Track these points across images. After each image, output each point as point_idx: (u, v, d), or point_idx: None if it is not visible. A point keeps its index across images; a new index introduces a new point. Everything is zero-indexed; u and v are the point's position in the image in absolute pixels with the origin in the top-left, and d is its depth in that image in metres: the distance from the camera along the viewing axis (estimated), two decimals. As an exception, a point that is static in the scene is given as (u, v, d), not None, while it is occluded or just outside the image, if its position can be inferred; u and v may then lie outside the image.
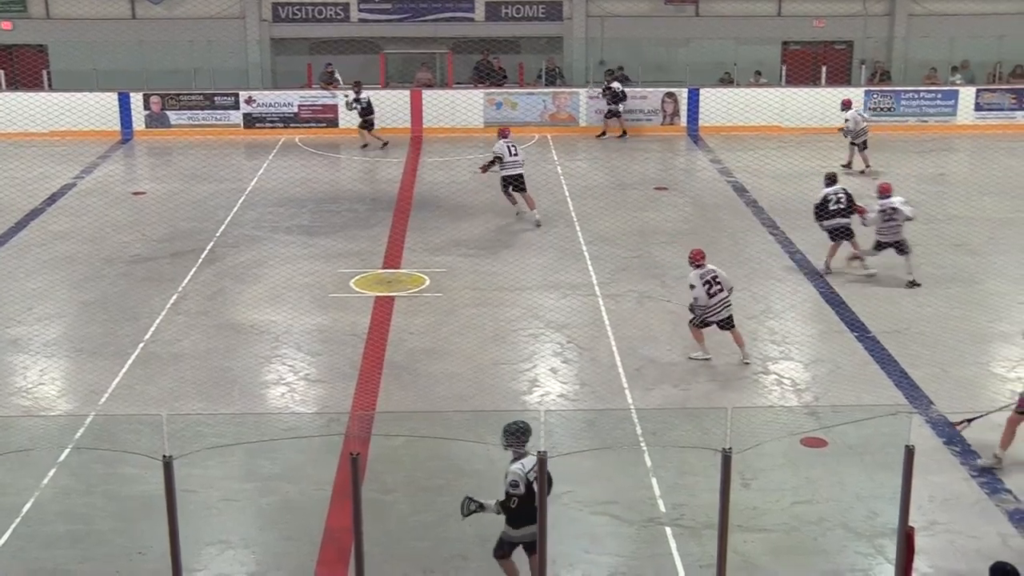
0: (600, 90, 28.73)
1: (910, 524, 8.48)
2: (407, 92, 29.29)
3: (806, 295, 17.34)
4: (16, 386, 14.31)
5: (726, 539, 8.36)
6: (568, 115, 29.47)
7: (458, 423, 12.94)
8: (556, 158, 26.67)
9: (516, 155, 21.13)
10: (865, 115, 25.90)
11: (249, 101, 29.33)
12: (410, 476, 11.69)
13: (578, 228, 20.73)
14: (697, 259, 14.69)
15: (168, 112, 29.19)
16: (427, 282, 17.86)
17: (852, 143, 25.00)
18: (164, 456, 7.96)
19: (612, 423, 13.17)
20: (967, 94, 29.71)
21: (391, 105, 28.66)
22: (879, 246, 17.60)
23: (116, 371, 14.51)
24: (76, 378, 14.66)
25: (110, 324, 16.20)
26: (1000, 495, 11.40)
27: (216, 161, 26.53)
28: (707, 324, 14.68)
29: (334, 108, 29.22)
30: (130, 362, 14.79)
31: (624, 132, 28.49)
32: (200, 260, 18.97)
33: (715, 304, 14.54)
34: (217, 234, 20.47)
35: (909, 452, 8.16)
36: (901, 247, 17.49)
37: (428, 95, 29.31)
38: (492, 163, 21.20)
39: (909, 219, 17.47)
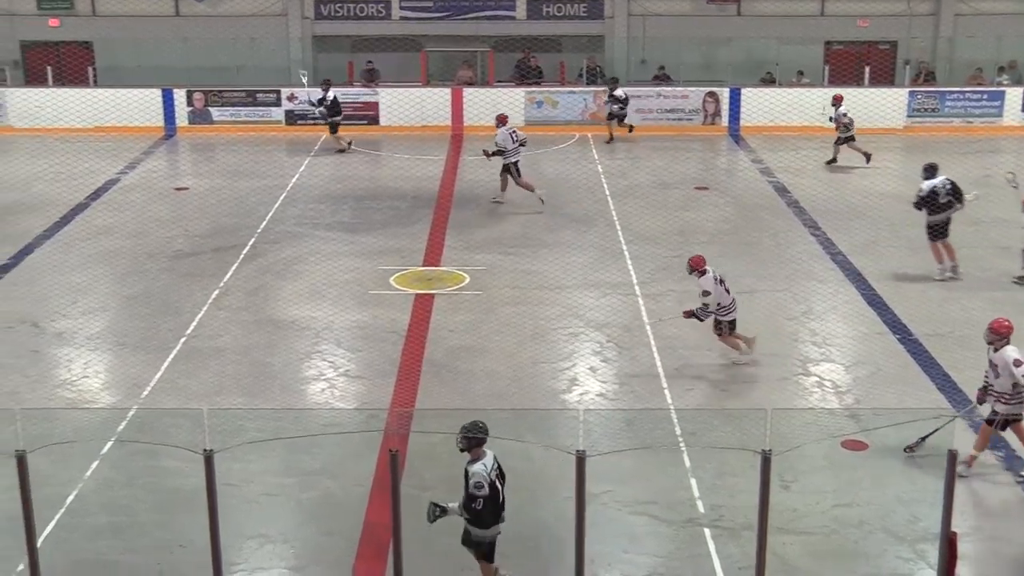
0: (606, 98, 28.15)
1: (953, 529, 8.42)
2: (448, 90, 29.35)
3: (848, 296, 17.23)
4: (61, 378, 14.49)
5: (765, 541, 8.33)
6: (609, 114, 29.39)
7: (497, 421, 12.88)
8: (596, 157, 26.65)
9: (516, 141, 21.86)
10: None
11: (291, 98, 29.49)
12: (448, 473, 11.66)
13: (618, 227, 20.70)
14: (700, 265, 14.41)
15: (211, 108, 29.42)
16: (467, 280, 17.90)
17: (841, 139, 25.02)
18: (205, 450, 8.03)
19: (651, 423, 13.15)
20: (1014, 95, 29.38)
21: (432, 103, 28.75)
22: None
23: (158, 365, 14.64)
24: (119, 371, 14.80)
25: (152, 318, 16.35)
26: (1044, 501, 11.30)
27: (258, 157, 26.70)
28: (728, 328, 14.46)
29: (375, 106, 29.34)
30: (172, 356, 14.92)
31: (631, 127, 28.17)
32: (242, 256, 19.11)
33: (732, 302, 14.38)
34: (259, 230, 20.61)
35: (952, 456, 8.10)
36: None
37: (469, 93, 29.35)
38: (497, 153, 21.82)
39: None
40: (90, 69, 30.05)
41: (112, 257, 19.24)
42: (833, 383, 14.11)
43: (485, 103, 28.78)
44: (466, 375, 14.38)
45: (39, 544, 8.41)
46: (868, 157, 24.86)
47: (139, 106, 28.67)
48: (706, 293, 14.23)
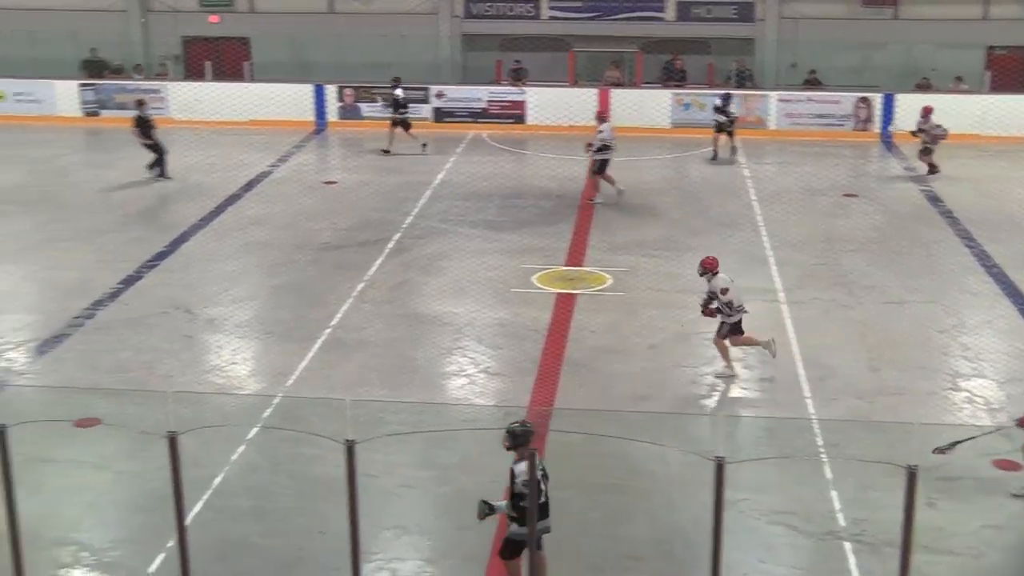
0: (715, 108, 26.72)
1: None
2: (595, 90, 29.31)
3: (1003, 311, 16.65)
4: (211, 364, 14.92)
5: (909, 559, 8.09)
6: (757, 118, 29.01)
7: (635, 423, 12.90)
8: (743, 161, 26.30)
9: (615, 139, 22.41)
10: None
11: (439, 95, 29.84)
12: (585, 473, 11.70)
13: (764, 233, 20.39)
14: (714, 267, 14.31)
15: (360, 104, 29.95)
16: (609, 281, 17.85)
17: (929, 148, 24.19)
18: (347, 440, 8.14)
19: (792, 432, 12.91)
20: None
21: (579, 103, 28.74)
22: None
23: (303, 354, 14.96)
24: (266, 359, 15.17)
25: (299, 309, 16.72)
26: None
27: (405, 153, 27.05)
28: (730, 332, 14.25)
29: (522, 104, 29.48)
30: (317, 347, 15.23)
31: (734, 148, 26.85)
32: (387, 250, 19.39)
33: (741, 306, 14.24)
34: (404, 225, 20.89)
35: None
36: None
37: (616, 94, 29.27)
38: (601, 149, 22.04)
39: None
40: (246, 64, 30.87)
41: (262, 248, 19.73)
42: (985, 400, 13.66)
43: (632, 104, 28.70)
44: (606, 376, 14.34)
45: (187, 523, 8.64)
46: (932, 168, 24.07)
47: (292, 101, 29.35)
48: (724, 291, 14.11)
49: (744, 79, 30.66)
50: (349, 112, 29.92)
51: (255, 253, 19.50)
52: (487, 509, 9.64)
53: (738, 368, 14.51)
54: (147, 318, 16.36)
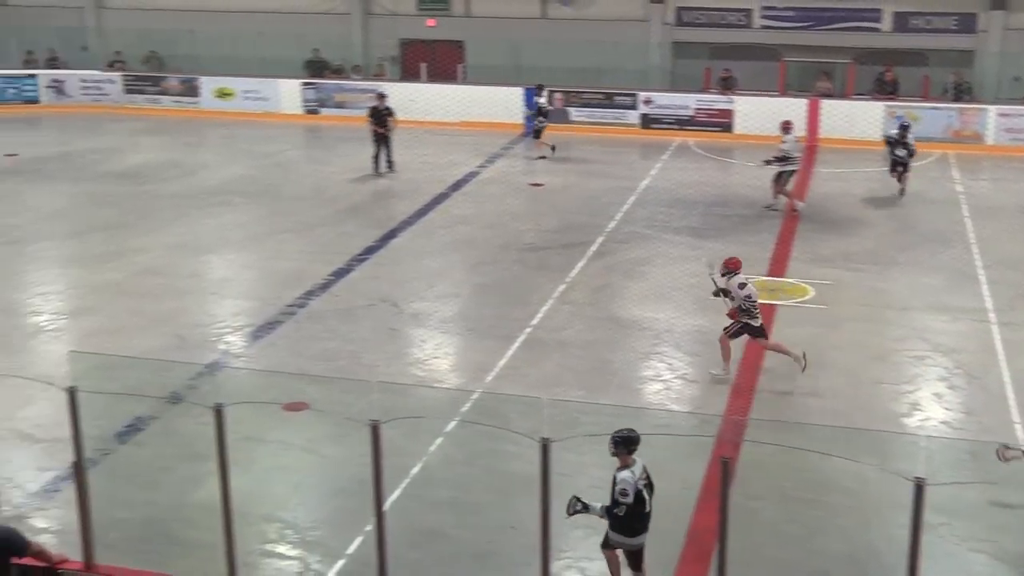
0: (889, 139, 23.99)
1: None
2: (804, 101, 28.82)
3: None
4: (414, 357, 15.39)
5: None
6: (974, 132, 28.00)
7: (832, 438, 12.68)
8: (957, 176, 25.42)
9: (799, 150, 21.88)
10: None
11: (647, 102, 29.87)
12: (778, 486, 11.59)
13: (975, 250, 19.71)
14: (737, 267, 14.42)
15: (569, 108, 30.25)
16: (811, 293, 17.59)
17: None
18: (542, 438, 8.30)
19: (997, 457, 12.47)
20: None
21: (788, 113, 28.22)
22: None
23: (503, 352, 15.26)
24: (466, 355, 15.55)
25: (501, 307, 17.05)
26: None
27: (611, 158, 27.22)
28: (742, 333, 14.29)
29: (729, 113, 29.25)
30: (517, 345, 15.51)
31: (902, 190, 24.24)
32: (589, 253, 19.58)
33: (758, 306, 14.30)
34: (607, 229, 21.04)
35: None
36: None
37: (826, 105, 28.72)
38: (780, 160, 21.67)
39: None
40: (460, 67, 31.54)
41: (468, 246, 20.19)
42: None
43: (842, 116, 28.11)
44: (803, 389, 14.15)
45: (385, 508, 8.94)
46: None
47: (502, 103, 29.87)
48: (743, 285, 14.16)
49: (962, 92, 29.58)
50: (558, 115, 30.23)
51: (461, 251, 19.98)
52: (579, 506, 9.66)
53: (942, 388, 14.11)
54: (355, 310, 16.99)
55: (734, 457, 11.52)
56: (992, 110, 28.07)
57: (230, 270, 19.32)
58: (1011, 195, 23.88)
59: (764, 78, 30.42)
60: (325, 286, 18.06)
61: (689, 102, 29.77)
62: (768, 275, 18.51)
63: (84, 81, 33.68)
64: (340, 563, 10.61)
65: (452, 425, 13.01)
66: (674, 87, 31.47)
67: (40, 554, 8.70)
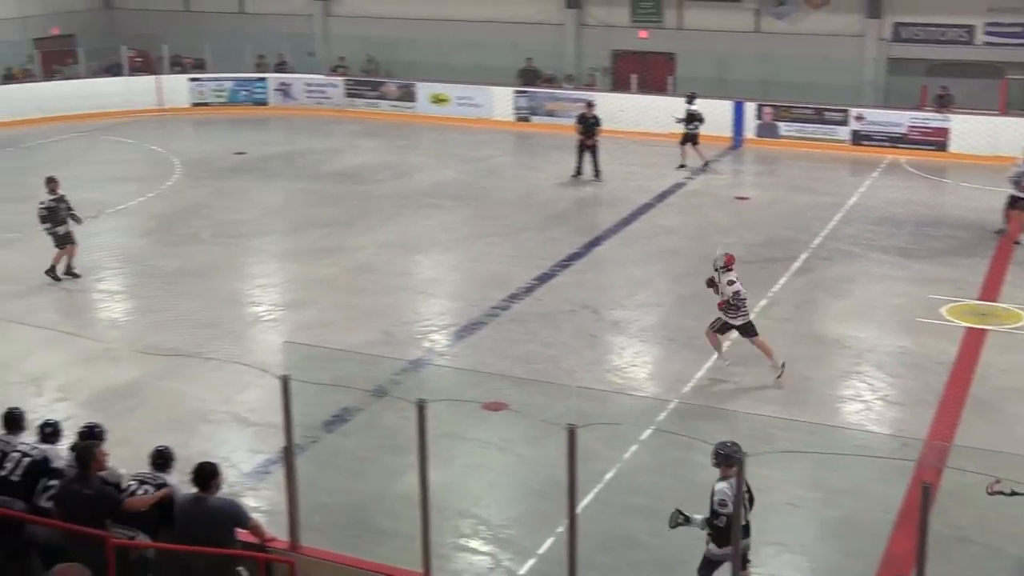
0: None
1: None
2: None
3: None
4: (612, 364, 15.56)
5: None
6: None
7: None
8: None
9: None
10: None
11: (859, 118, 29.23)
12: (983, 517, 11.25)
13: None
14: (731, 264, 14.80)
15: (778, 123, 29.89)
16: (1025, 319, 16.98)
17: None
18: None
19: None
20: None
21: (1008, 133, 27.21)
22: None
23: (701, 363, 15.26)
24: (664, 365, 15.62)
25: (703, 318, 16.90)
26: None
27: (819, 174, 26.77)
28: (729, 328, 14.75)
29: (944, 132, 28.36)
30: (715, 357, 15.44)
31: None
32: (793, 269, 19.35)
33: (746, 303, 14.77)
34: (812, 245, 20.74)
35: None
36: None
37: (1049, 123, 27.48)
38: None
39: None
40: (670, 79, 31.53)
41: (671, 256, 20.24)
42: None
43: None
44: (1012, 417, 13.68)
45: (577, 511, 9.10)
46: None
47: (710, 116, 29.67)
48: (731, 283, 14.60)
49: None
50: (766, 130, 29.93)
51: (664, 261, 20.04)
52: (680, 519, 9.65)
53: None
54: (557, 314, 17.26)
55: (935, 483, 11.25)
56: None
57: (438, 270, 19.91)
58: None
59: (983, 96, 29.31)
60: (528, 290, 18.40)
61: (902, 119, 28.98)
62: (979, 299, 17.91)
63: (309, 85, 35.18)
64: (531, 562, 10.84)
65: (647, 433, 13.10)
66: (887, 104, 30.66)
67: (256, 529, 9.26)
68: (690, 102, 27.43)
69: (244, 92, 35.42)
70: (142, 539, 8.98)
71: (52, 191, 19.22)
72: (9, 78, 34.47)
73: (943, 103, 29.20)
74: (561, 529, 10.02)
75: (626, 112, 29.68)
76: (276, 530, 9.59)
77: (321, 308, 17.76)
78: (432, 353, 16.01)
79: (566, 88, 32.63)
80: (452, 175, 26.78)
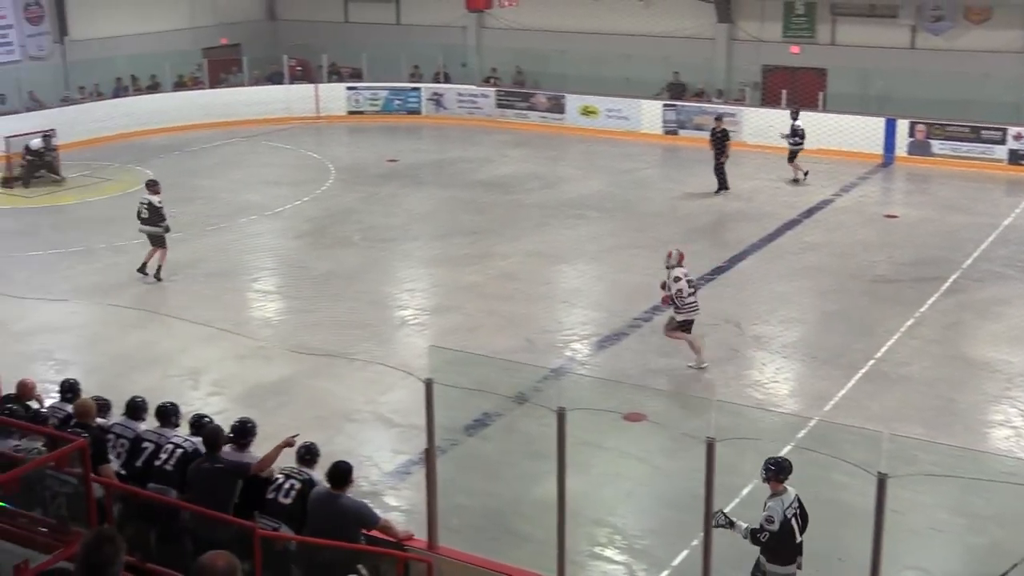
0: None
1: None
2: None
3: None
4: (752, 379, 15.50)
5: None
6: None
7: None
8: None
9: None
10: None
11: (1018, 137, 28.38)
12: None
13: None
14: (680, 260, 15.70)
15: (932, 140, 29.20)
16: None
17: None
18: (879, 472, 8.23)
19: None
20: None
21: None
22: None
23: (844, 382, 15.11)
24: (806, 382, 15.50)
25: (846, 336, 16.84)
26: None
27: (973, 193, 26.11)
28: (684, 325, 15.47)
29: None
30: (858, 376, 15.31)
31: None
32: (942, 289, 18.96)
33: (691, 302, 15.49)
34: (963, 266, 20.27)
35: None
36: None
37: None
38: None
39: None
40: (820, 95, 31.13)
41: (815, 273, 20.02)
42: None
43: None
44: None
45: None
46: None
47: (861, 133, 29.26)
48: (677, 279, 15.41)
49: None
50: (919, 148, 29.27)
51: (808, 278, 19.84)
52: (723, 520, 9.65)
53: None
54: (698, 328, 17.22)
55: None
56: None
57: (582, 280, 20.08)
58: None
59: None
60: (671, 303, 18.42)
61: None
62: None
63: (461, 95, 35.75)
64: (664, 574, 10.93)
65: (787, 450, 12.96)
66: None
67: (387, 529, 9.55)
68: (795, 118, 27.23)
69: (398, 101, 36.19)
70: (285, 531, 9.36)
71: (155, 192, 20.10)
72: (180, 85, 35.89)
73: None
74: (696, 542, 10.08)
75: (775, 127, 29.36)
76: (415, 529, 9.87)
77: (466, 314, 18.10)
78: (573, 362, 16.18)
79: (715, 102, 32.48)
80: (599, 186, 26.93)
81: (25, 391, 11.69)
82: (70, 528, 7.74)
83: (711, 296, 18.74)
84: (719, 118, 26.68)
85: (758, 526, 9.70)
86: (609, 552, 11.41)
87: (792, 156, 27.13)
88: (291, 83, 36.29)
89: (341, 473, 9.34)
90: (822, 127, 29.22)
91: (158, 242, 20.02)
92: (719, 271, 20.12)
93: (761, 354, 16.41)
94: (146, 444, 10.29)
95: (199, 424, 10.54)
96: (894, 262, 20.56)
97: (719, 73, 33.67)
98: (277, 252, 22.23)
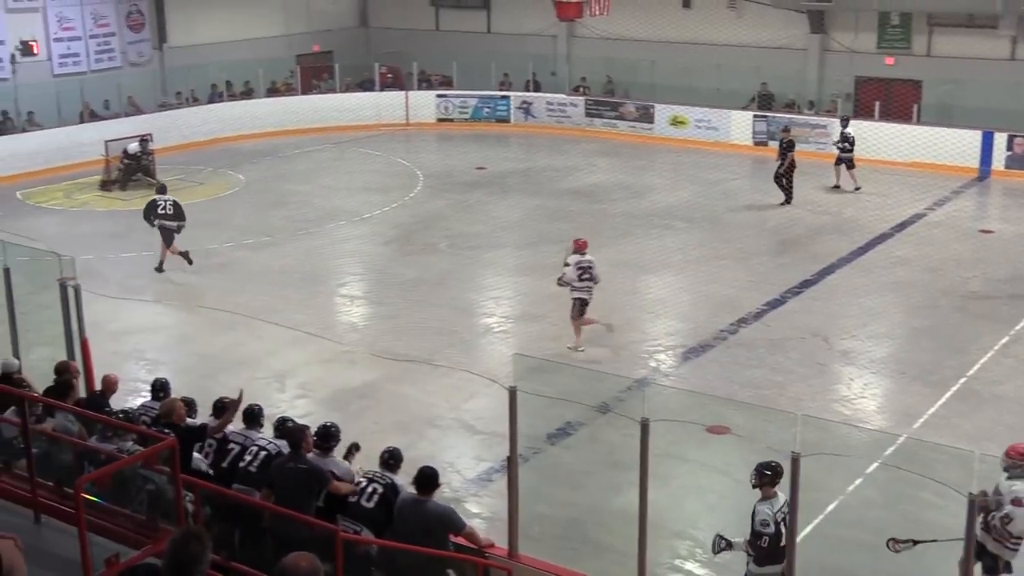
0: None
1: None
2: None
3: None
4: (840, 394, 15.31)
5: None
6: None
7: None
8: None
9: None
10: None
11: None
12: None
13: None
14: (581, 248, 16.89)
15: (1031, 155, 28.60)
16: None
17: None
18: (970, 493, 8.09)
19: None
20: None
21: None
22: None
23: (934, 399, 14.86)
24: (895, 398, 15.27)
25: (937, 353, 16.55)
26: None
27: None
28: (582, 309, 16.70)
29: None
30: (949, 394, 15.05)
31: None
32: (1038, 306, 18.56)
33: (580, 287, 16.65)
34: (1062, 283, 19.82)
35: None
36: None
37: None
38: None
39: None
40: (915, 107, 30.63)
41: (906, 288, 19.70)
42: None
43: None
44: None
45: (798, 540, 9.06)
46: None
47: (956, 146, 28.72)
48: (566, 264, 16.79)
49: None
50: (1017, 162, 28.65)
51: (899, 292, 19.54)
52: (723, 544, 9.75)
53: None
54: (785, 341, 17.09)
55: None
56: None
57: (667, 291, 19.98)
58: None
59: None
60: (758, 315, 18.28)
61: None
62: None
63: (550, 104, 35.80)
64: (746, 588, 10.82)
65: (873, 467, 12.82)
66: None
67: (471, 536, 9.60)
68: (844, 125, 27.07)
69: (487, 109, 36.35)
70: (366, 535, 9.45)
71: (163, 193, 21.61)
72: (273, 91, 36.44)
73: None
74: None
75: (867, 140, 28.97)
76: (495, 537, 9.90)
77: (551, 322, 18.11)
78: (657, 373, 16.12)
79: (806, 114, 32.12)
80: (686, 197, 26.79)
81: (109, 386, 11.94)
82: (159, 525, 7.91)
83: (799, 309, 18.58)
84: (786, 129, 26.47)
85: (754, 533, 9.71)
86: (690, 565, 11.35)
87: (841, 162, 26.98)
88: (382, 90, 36.63)
89: (427, 478, 9.41)
90: (916, 139, 28.80)
91: (170, 238, 20.89)
92: (807, 284, 19.89)
93: (849, 369, 16.20)
94: (232, 445, 10.46)
95: (283, 427, 10.69)
96: (988, 278, 20.14)
97: (811, 84, 33.30)
98: (364, 258, 22.47)
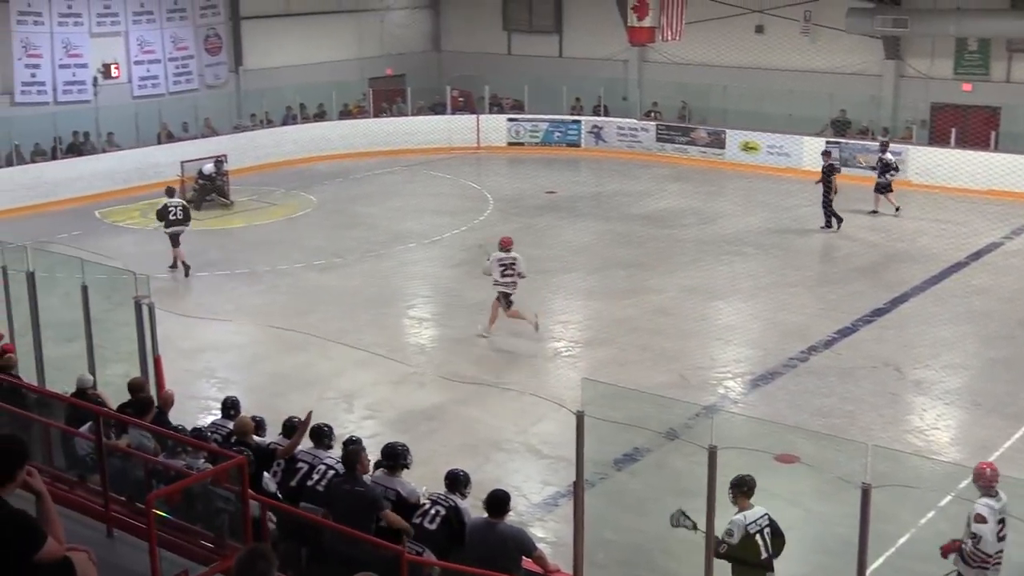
0: None
1: None
2: None
3: None
4: (912, 424, 15.07)
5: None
6: None
7: None
8: None
9: None
10: None
11: None
12: None
13: None
14: (506, 245, 18.27)
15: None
16: None
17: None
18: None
19: None
20: None
21: None
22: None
23: (1010, 432, 14.58)
24: (969, 430, 15.00)
25: (1014, 384, 16.24)
26: None
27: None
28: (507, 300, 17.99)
29: None
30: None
31: None
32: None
33: (502, 282, 17.97)
34: None
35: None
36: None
37: None
38: None
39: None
40: (993, 134, 30.20)
41: (982, 318, 19.37)
42: None
43: None
44: None
45: (867, 573, 8.91)
46: None
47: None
48: (488, 258, 18.20)
49: None
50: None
51: (974, 322, 19.21)
52: (682, 519, 9.62)
53: None
54: (856, 370, 16.86)
55: None
56: None
57: (737, 317, 19.83)
58: None
59: None
60: (828, 343, 18.07)
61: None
62: None
63: (620, 128, 35.77)
64: (813, 619, 10.68)
65: (947, 500, 12.60)
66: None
67: (540, 560, 9.58)
68: (883, 150, 26.79)
69: (558, 133, 36.41)
70: (428, 556, 9.46)
71: (172, 196, 23.46)
72: (345, 114, 36.85)
73: None
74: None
75: (943, 167, 28.60)
76: (561, 563, 9.87)
77: (619, 347, 18.06)
78: (726, 400, 15.99)
79: (879, 139, 31.78)
80: (757, 223, 26.60)
81: (166, 402, 12.06)
82: (227, 542, 7.99)
83: (870, 338, 18.34)
84: (827, 153, 26.19)
85: (719, 540, 9.61)
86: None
87: (880, 188, 26.70)
88: (453, 113, 36.90)
89: (499, 501, 9.42)
90: (993, 167, 28.37)
91: (177, 242, 22.49)
92: (879, 312, 19.63)
93: (921, 399, 15.94)
94: (300, 464, 10.54)
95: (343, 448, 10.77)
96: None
97: (886, 110, 32.95)
98: (433, 280, 22.59)
